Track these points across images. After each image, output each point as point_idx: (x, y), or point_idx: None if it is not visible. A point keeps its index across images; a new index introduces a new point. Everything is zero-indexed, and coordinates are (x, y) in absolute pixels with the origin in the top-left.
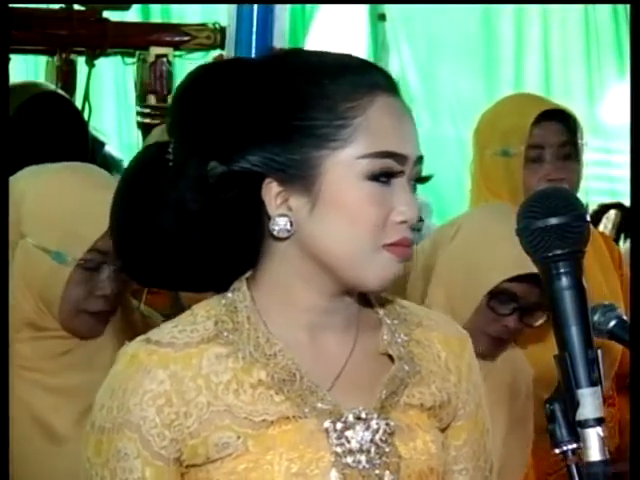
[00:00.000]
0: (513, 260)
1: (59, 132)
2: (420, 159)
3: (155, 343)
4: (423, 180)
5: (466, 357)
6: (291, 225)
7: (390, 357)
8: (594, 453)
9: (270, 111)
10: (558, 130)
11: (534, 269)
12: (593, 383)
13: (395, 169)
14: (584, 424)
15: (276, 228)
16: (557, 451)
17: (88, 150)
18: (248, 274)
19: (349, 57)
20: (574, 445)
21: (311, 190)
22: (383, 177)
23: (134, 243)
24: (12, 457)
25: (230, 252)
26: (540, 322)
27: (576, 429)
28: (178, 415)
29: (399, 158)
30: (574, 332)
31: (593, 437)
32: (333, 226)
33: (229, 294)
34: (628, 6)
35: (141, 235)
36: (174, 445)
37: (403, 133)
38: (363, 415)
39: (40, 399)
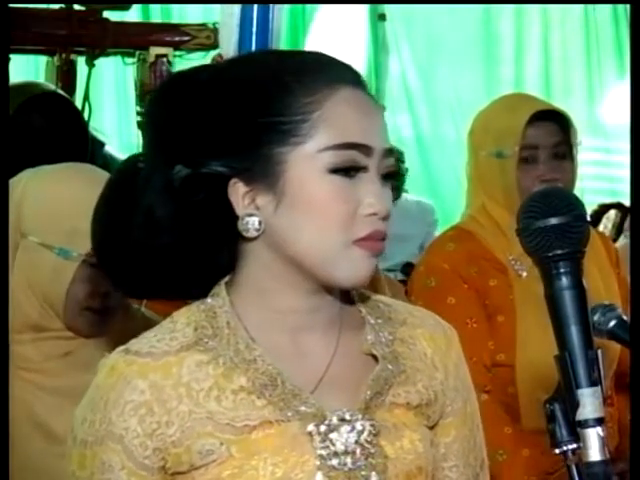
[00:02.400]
0: None
1: (59, 132)
2: (389, 152)
3: (134, 353)
4: (395, 176)
5: (453, 354)
6: (259, 224)
7: (374, 357)
8: (594, 453)
9: (232, 112)
10: (552, 130)
11: None
12: (593, 383)
13: (359, 160)
14: (584, 424)
15: (245, 228)
16: (557, 451)
17: (88, 150)
18: (227, 278)
19: (313, 54)
20: (574, 445)
21: (275, 187)
22: (348, 170)
23: (111, 251)
24: (12, 457)
25: (203, 257)
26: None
27: (576, 429)
28: (160, 424)
29: (363, 149)
30: (574, 332)
31: (593, 437)
32: (299, 223)
33: (208, 299)
34: (628, 6)
35: (116, 243)
36: (157, 454)
37: (367, 124)
38: (347, 417)
39: (41, 400)
